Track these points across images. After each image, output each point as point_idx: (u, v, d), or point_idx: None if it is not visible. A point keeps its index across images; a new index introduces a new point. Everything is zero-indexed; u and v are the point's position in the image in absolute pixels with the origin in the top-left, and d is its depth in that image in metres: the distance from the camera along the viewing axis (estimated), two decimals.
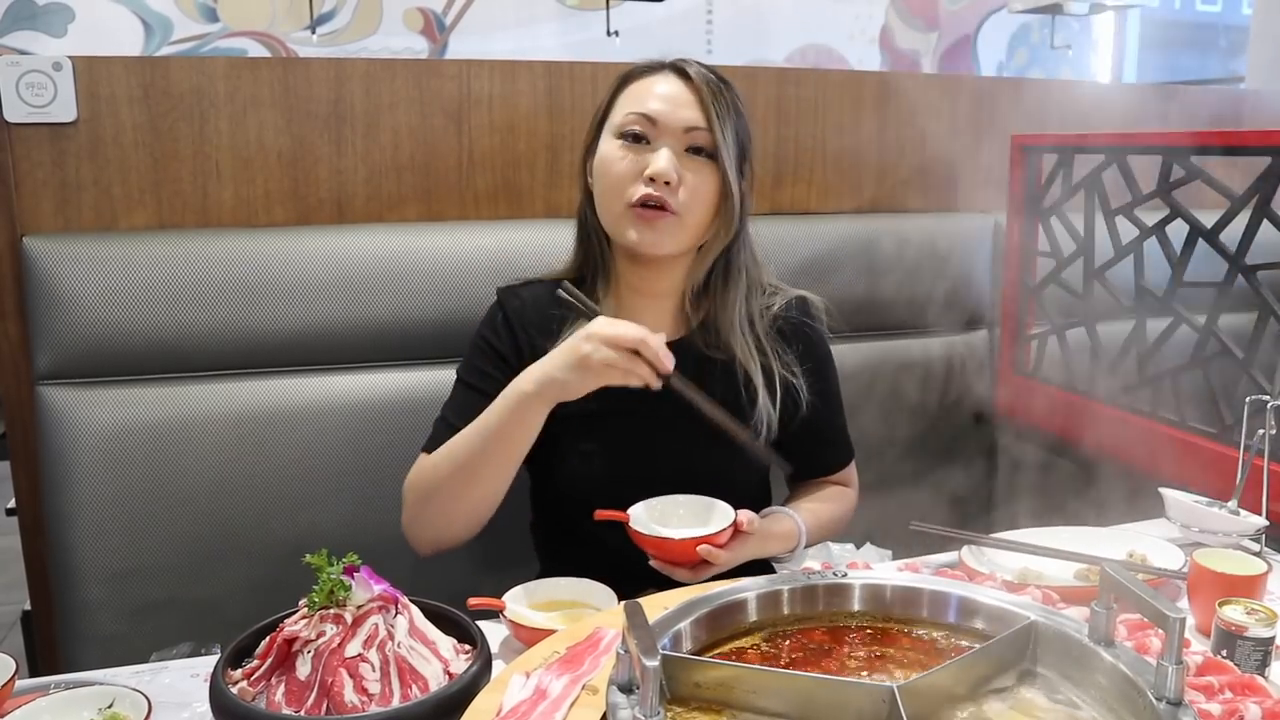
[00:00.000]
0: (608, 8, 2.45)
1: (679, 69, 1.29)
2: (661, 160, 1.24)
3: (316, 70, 1.65)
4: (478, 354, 1.36)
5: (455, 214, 1.76)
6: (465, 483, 1.24)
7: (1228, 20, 4.37)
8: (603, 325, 1.15)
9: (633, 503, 1.21)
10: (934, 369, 1.95)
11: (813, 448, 1.45)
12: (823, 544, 1.46)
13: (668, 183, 1.24)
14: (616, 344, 1.13)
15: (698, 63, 1.31)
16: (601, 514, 1.19)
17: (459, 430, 1.27)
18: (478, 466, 1.23)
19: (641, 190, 1.25)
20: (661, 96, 1.27)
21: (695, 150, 1.27)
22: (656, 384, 1.15)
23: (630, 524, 1.19)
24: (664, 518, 1.22)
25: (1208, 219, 1.52)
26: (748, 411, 1.32)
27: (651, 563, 1.20)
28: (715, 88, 1.28)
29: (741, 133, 1.31)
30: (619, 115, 1.29)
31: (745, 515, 1.21)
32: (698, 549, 1.16)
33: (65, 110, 1.53)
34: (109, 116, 1.56)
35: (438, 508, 1.27)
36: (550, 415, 1.31)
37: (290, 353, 1.57)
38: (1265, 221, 1.44)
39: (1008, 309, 1.95)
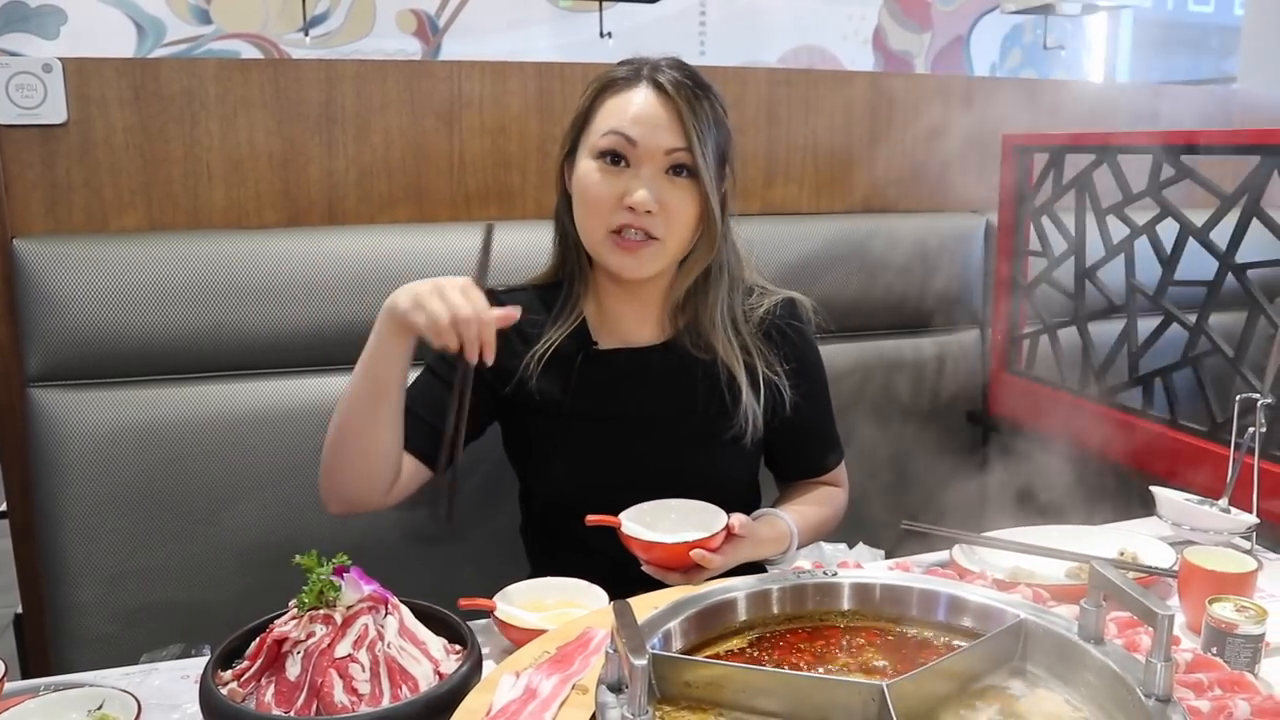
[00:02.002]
0: (600, 9, 2.45)
1: (656, 83, 1.24)
2: (641, 191, 1.22)
3: (307, 72, 1.65)
4: None
5: (446, 215, 1.76)
6: (348, 427, 1.20)
7: (1220, 21, 4.38)
8: (457, 285, 1.12)
9: (619, 507, 1.20)
10: (926, 368, 1.95)
11: (802, 449, 1.45)
12: (815, 544, 1.46)
13: (649, 211, 1.22)
14: (450, 307, 1.10)
15: (673, 68, 1.26)
16: (592, 519, 1.18)
17: (408, 408, 1.26)
18: (354, 406, 1.19)
19: (622, 218, 1.23)
20: (640, 117, 1.23)
21: (676, 170, 1.24)
22: (471, 360, 1.11)
23: (621, 528, 1.18)
24: (655, 522, 1.21)
25: (1198, 218, 1.53)
26: (731, 411, 1.32)
27: (644, 567, 1.18)
28: (693, 102, 1.24)
29: (722, 141, 1.27)
30: (596, 133, 1.25)
31: (738, 518, 1.20)
32: (690, 553, 1.15)
33: (55, 112, 1.53)
34: (99, 118, 1.56)
35: (332, 459, 1.23)
36: (530, 416, 1.30)
37: (281, 354, 1.57)
38: (1255, 220, 1.44)
39: (999, 308, 1.95)
